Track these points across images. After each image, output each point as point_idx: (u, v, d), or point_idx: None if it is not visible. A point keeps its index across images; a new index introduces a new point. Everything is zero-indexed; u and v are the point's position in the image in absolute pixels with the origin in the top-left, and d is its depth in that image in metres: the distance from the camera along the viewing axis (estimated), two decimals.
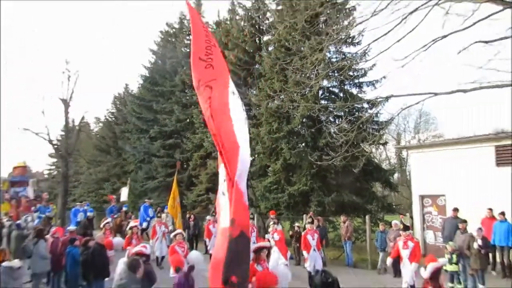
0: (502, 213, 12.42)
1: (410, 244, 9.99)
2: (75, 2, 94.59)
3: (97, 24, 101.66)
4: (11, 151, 68.84)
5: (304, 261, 12.28)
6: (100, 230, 13.66)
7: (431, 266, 5.89)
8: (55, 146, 32.20)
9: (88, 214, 19.27)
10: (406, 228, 10.90)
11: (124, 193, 22.25)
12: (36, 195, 24.72)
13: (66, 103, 29.73)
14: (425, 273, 5.98)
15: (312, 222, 13.17)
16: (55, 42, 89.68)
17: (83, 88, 78.51)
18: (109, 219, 15.77)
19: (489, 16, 8.80)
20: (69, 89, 29.51)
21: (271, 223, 14.19)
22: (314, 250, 12.06)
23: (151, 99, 29.82)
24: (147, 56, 33.07)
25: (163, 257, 14.41)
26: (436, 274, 5.73)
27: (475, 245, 10.65)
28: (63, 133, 33.12)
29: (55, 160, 43.17)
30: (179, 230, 12.06)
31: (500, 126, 25.51)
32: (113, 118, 38.01)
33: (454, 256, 10.68)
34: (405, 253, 9.78)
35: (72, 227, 13.00)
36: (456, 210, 13.36)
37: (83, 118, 33.58)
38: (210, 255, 15.81)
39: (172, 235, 11.63)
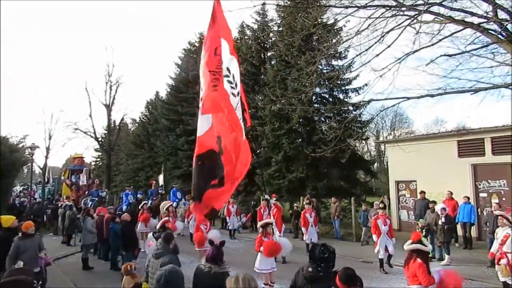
0: (467, 197, 12.33)
1: (388, 221, 9.95)
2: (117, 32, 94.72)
3: (132, 42, 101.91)
4: (66, 147, 69.41)
5: (303, 235, 12.25)
6: (140, 210, 13.51)
7: (419, 245, 5.47)
8: (100, 142, 32.44)
9: (138, 196, 19.31)
10: (384, 207, 10.81)
11: (161, 179, 22.21)
12: (90, 181, 24.56)
13: (108, 107, 29.91)
14: (410, 246, 5.53)
15: (309, 203, 13.13)
16: (99, 55, 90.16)
17: (123, 95, 79.13)
18: (147, 201, 15.69)
19: (452, 34, 8.71)
20: (111, 97, 29.73)
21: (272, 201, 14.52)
22: (312, 226, 12.04)
23: (177, 103, 29.80)
24: (173, 68, 33.04)
25: None
26: (418, 252, 5.43)
27: (440, 222, 10.58)
28: (106, 131, 33.21)
29: (100, 153, 43.38)
30: None
31: (461, 124, 25.27)
32: (147, 119, 38.04)
33: (424, 231, 10.60)
34: (384, 229, 9.74)
35: (111, 207, 12.95)
36: (423, 193, 13.28)
37: (122, 119, 33.74)
38: (229, 230, 15.86)
39: None
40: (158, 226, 8.05)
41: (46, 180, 29.58)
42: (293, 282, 3.89)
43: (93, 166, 47.04)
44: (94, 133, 30.47)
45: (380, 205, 10.50)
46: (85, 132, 29.82)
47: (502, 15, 8.23)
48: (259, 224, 8.42)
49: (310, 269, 3.65)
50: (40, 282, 6.84)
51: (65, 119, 59.16)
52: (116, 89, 29.98)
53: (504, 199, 12.60)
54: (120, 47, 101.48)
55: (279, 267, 7.71)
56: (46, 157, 33.12)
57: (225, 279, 4.25)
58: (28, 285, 3.03)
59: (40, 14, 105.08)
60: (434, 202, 11.66)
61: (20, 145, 21.24)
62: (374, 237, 9.89)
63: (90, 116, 29.60)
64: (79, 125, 29.74)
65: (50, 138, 32.74)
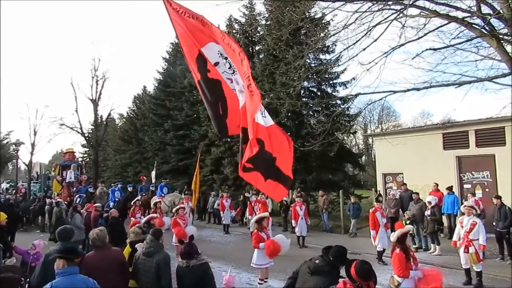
0: (450, 188, 12.52)
1: (384, 214, 10.15)
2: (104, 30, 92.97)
3: (119, 37, 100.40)
4: (52, 143, 68.36)
5: (293, 228, 12.34)
6: (132, 207, 13.14)
7: (399, 232, 5.59)
8: (87, 138, 32.06)
9: (128, 188, 19.10)
10: (379, 199, 10.96)
11: (153, 175, 21.94)
12: (84, 177, 24.02)
13: (95, 102, 29.55)
14: (394, 237, 5.62)
15: (300, 196, 13.24)
16: (85, 50, 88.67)
17: (109, 90, 77.89)
18: (138, 197, 15.43)
19: (437, 28, 8.82)
20: (97, 92, 29.36)
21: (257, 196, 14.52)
22: (302, 218, 12.18)
23: (165, 98, 29.58)
24: (161, 63, 32.75)
25: None
26: (402, 238, 5.48)
27: (426, 213, 10.80)
28: (93, 127, 32.82)
29: (87, 149, 42.88)
30: (180, 206, 11.30)
31: (447, 117, 25.65)
32: (134, 114, 37.66)
33: (409, 222, 10.78)
34: (382, 222, 9.94)
35: (98, 204, 12.80)
36: (404, 184, 13.53)
37: (109, 114, 33.41)
38: (223, 225, 15.84)
39: (174, 209, 10.77)
40: (142, 222, 7.95)
41: (36, 176, 29.14)
42: (296, 270, 3.95)
43: (81, 162, 46.56)
44: (81, 128, 30.15)
45: (379, 198, 10.74)
46: (71, 128, 29.47)
47: (485, 9, 8.37)
48: (253, 219, 8.32)
49: (317, 261, 3.70)
50: (28, 280, 6.77)
51: (50, 114, 58.43)
52: (102, 84, 29.66)
53: (487, 190, 12.88)
54: (106, 41, 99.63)
55: None
56: (32, 153, 32.63)
57: (205, 269, 4.36)
58: (15, 282, 3.03)
59: (25, 6, 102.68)
60: (417, 194, 11.89)
61: (5, 142, 20.86)
62: (372, 232, 9.93)
63: (76, 111, 29.26)
64: (65, 120, 29.37)
65: (35, 134, 32.24)
